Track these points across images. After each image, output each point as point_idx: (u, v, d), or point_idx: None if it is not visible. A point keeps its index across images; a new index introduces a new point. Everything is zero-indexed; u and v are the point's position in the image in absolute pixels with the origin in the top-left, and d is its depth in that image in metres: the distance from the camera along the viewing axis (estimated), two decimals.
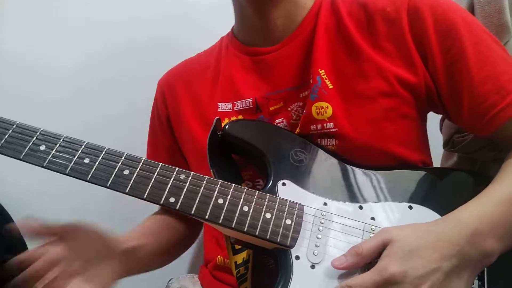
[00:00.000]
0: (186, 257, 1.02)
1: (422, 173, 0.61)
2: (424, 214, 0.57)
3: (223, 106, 0.70)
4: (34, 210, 1.05)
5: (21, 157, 0.54)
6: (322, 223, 0.55)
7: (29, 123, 0.56)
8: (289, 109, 0.66)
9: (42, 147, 0.54)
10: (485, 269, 0.52)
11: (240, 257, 0.63)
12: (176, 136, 0.77)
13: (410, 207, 0.57)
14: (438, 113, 0.68)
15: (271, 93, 0.68)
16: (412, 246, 0.46)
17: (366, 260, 0.49)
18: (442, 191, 0.60)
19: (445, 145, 0.79)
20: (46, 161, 0.54)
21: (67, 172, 0.54)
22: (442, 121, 0.82)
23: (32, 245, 1.10)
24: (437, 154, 0.75)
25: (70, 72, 1.10)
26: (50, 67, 1.09)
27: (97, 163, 0.54)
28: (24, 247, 1.08)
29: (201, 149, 0.67)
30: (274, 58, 0.68)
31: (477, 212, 0.50)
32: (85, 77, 1.10)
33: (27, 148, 0.54)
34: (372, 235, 0.54)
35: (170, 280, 0.80)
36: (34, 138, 0.55)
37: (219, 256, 0.69)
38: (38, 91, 1.08)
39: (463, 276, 0.46)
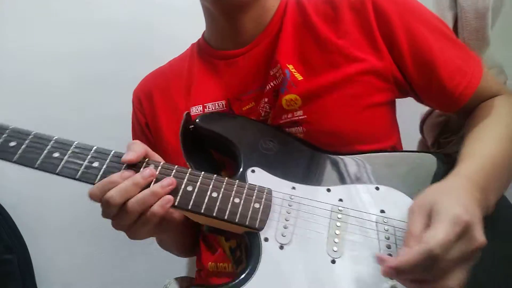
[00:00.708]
0: (184, 259, 1.01)
1: (388, 155, 0.63)
2: (391, 194, 0.58)
3: (194, 110, 0.71)
4: (33, 210, 1.12)
5: (36, 165, 0.55)
6: (291, 206, 0.56)
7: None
8: (258, 107, 0.68)
9: (56, 154, 0.55)
10: None
11: (234, 241, 0.64)
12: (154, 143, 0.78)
13: (377, 188, 0.59)
14: (404, 97, 0.71)
15: (243, 94, 0.69)
16: (459, 199, 0.47)
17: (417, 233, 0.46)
18: (407, 172, 0.61)
19: (432, 146, 0.83)
20: (59, 168, 0.54)
21: (77, 177, 0.54)
22: (422, 123, 0.85)
23: (32, 245, 1.12)
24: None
25: (70, 71, 1.11)
26: (50, 65, 1.10)
27: (104, 166, 0.55)
28: (24, 247, 1.11)
29: (177, 159, 0.67)
30: (244, 59, 0.70)
31: (476, 168, 0.53)
32: (85, 76, 1.11)
33: (42, 156, 0.55)
34: (340, 215, 0.56)
35: (168, 281, 0.79)
36: (49, 146, 0.56)
37: (210, 262, 0.69)
38: (37, 91, 1.10)
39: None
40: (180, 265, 1.04)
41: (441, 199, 0.47)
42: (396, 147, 0.69)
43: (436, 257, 0.42)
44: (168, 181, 0.54)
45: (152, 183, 0.54)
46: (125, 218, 0.52)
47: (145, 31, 1.12)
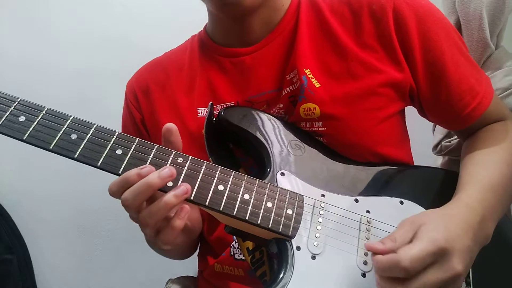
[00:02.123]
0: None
1: (412, 170, 0.63)
2: (414, 209, 0.58)
3: (203, 112, 0.66)
4: (33, 210, 1.11)
5: (51, 147, 0.48)
6: (321, 214, 0.55)
7: None
8: (271, 111, 0.65)
9: (74, 136, 0.49)
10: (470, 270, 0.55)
11: (251, 242, 0.61)
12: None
13: (401, 202, 0.59)
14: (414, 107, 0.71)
15: (253, 96, 0.66)
16: (447, 226, 0.47)
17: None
18: (429, 189, 0.62)
19: (434, 148, 0.84)
20: (78, 152, 0.48)
21: (99, 164, 0.48)
22: (434, 126, 0.86)
23: (32, 245, 1.09)
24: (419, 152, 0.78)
25: (71, 77, 1.12)
26: (50, 73, 1.11)
27: (129, 155, 0.49)
28: (24, 247, 1.11)
29: None
30: (253, 59, 0.66)
31: (479, 198, 0.53)
32: (86, 82, 1.11)
33: (58, 136, 0.48)
34: (368, 227, 0.55)
35: (169, 280, 0.75)
36: (65, 126, 0.49)
37: (216, 264, 0.66)
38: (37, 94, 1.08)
39: (474, 256, 0.49)
40: (181, 265, 1.06)
41: (431, 222, 0.48)
42: (408, 153, 0.69)
43: (405, 269, 0.43)
44: (183, 190, 0.47)
45: (181, 180, 0.50)
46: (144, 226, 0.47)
47: (147, 36, 1.14)
